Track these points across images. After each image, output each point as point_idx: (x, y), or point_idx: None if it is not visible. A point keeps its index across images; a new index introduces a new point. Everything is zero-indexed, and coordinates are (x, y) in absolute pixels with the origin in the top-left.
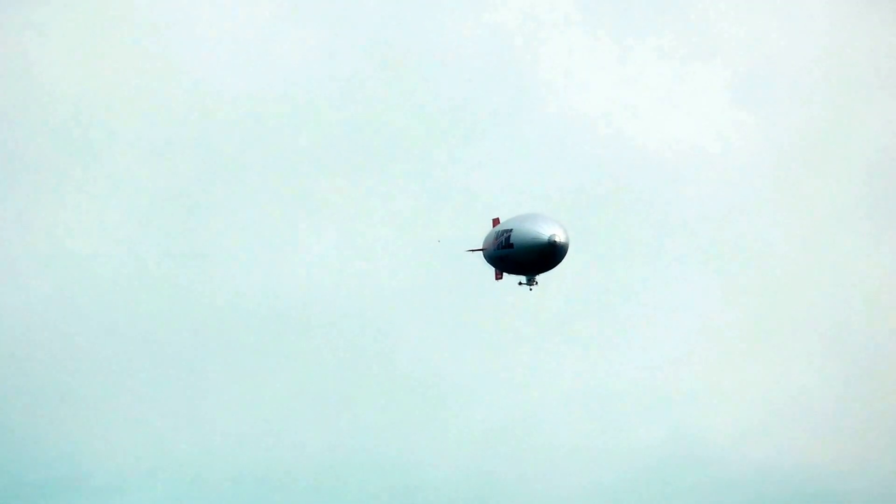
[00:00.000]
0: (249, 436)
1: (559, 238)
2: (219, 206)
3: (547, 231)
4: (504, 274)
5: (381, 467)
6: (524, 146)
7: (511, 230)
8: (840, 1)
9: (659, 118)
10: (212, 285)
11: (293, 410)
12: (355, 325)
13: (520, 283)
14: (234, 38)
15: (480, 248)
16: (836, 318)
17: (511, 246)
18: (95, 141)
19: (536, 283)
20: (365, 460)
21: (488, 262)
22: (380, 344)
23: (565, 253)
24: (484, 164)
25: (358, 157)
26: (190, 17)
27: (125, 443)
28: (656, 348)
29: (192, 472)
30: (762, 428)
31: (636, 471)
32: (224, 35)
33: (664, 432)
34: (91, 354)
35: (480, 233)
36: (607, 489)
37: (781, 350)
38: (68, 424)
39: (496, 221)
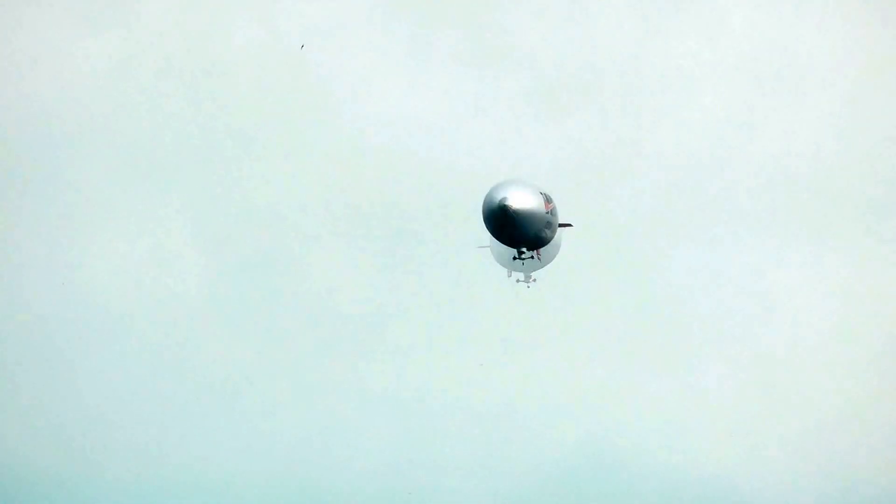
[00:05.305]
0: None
1: (511, 203)
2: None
3: (499, 195)
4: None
5: (283, 473)
6: (314, 156)
7: None
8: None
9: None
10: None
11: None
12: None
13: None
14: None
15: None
16: (743, 324)
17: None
18: None
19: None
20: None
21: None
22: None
23: (533, 222)
24: (270, 180)
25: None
26: None
27: None
28: (562, 354)
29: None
30: (671, 434)
31: (545, 478)
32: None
33: (573, 438)
34: None
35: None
36: (514, 496)
37: (689, 356)
38: None
39: None
